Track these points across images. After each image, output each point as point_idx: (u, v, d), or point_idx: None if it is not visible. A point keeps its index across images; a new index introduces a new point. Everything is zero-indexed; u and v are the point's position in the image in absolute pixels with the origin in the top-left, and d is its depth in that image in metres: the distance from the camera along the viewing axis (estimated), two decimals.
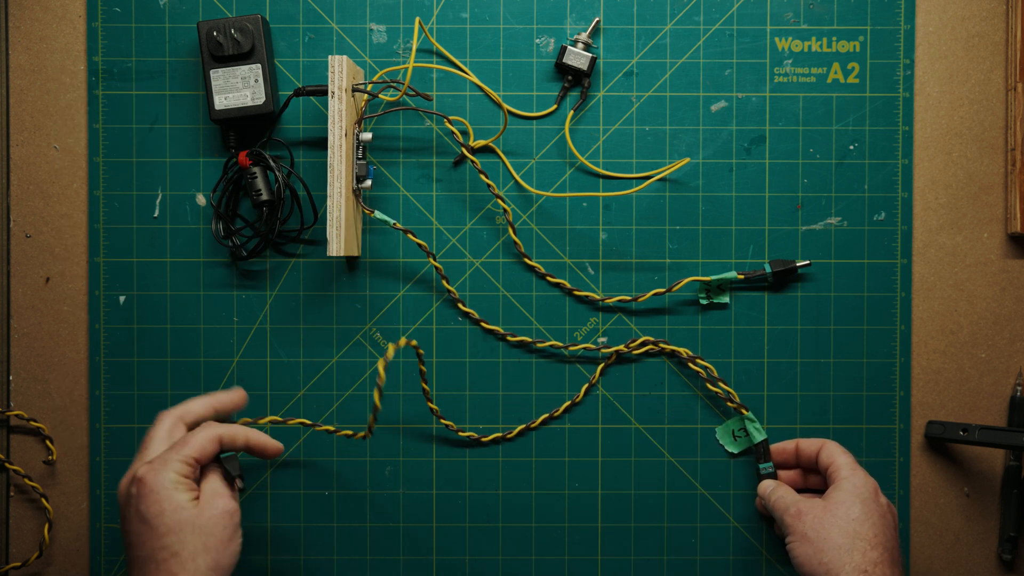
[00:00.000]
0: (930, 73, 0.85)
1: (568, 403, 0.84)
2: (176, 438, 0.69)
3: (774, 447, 0.83)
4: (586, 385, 0.84)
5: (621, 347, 0.84)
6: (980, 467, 0.85)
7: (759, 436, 0.82)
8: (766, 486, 0.80)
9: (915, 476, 0.85)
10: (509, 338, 0.84)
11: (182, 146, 0.84)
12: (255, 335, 0.85)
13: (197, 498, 0.66)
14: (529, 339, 0.84)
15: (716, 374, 0.84)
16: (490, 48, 0.84)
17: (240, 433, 0.71)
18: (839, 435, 0.85)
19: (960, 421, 0.84)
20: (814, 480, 0.82)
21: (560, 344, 0.83)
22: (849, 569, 0.69)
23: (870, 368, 0.85)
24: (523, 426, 0.84)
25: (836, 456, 0.77)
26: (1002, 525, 0.84)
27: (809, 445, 0.80)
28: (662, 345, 0.84)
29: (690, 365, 0.84)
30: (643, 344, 0.84)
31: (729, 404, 0.83)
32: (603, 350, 0.84)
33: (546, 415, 0.84)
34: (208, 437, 0.68)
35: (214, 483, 0.68)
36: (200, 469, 0.69)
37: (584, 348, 0.83)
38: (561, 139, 0.84)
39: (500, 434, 0.84)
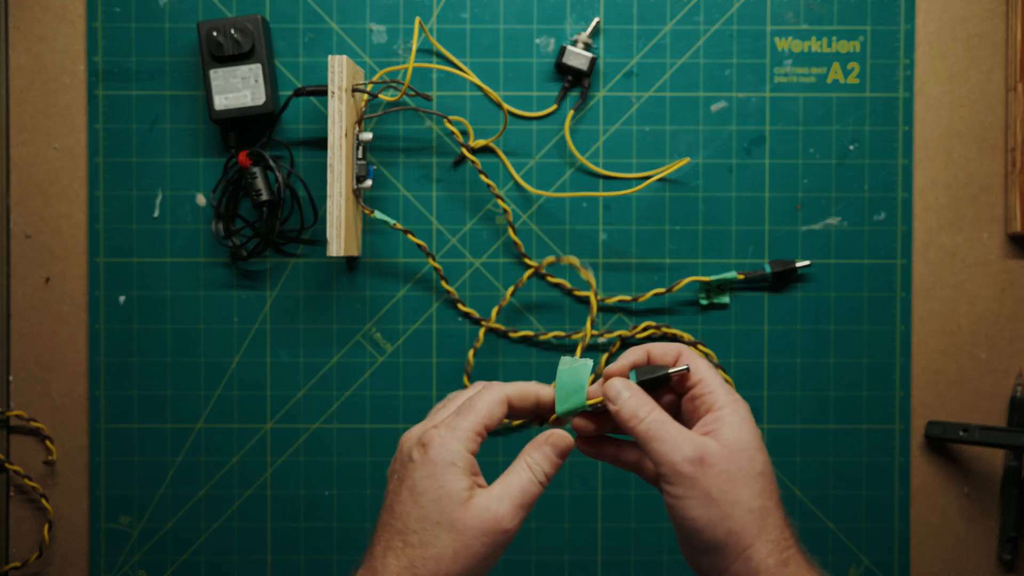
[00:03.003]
0: (930, 73, 0.85)
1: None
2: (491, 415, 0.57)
3: (620, 361, 0.59)
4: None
5: (624, 331, 0.84)
6: (980, 467, 0.85)
7: None
8: (618, 389, 0.57)
9: (915, 476, 0.85)
10: (511, 335, 0.84)
11: (182, 146, 0.84)
12: (255, 335, 0.84)
13: (472, 487, 0.54)
14: (531, 332, 0.84)
15: (716, 360, 0.84)
16: (490, 48, 0.84)
17: (531, 391, 0.58)
18: (839, 435, 0.85)
19: (960, 421, 0.84)
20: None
21: (563, 333, 0.84)
22: (764, 539, 0.53)
23: (870, 368, 0.85)
24: (518, 421, 0.84)
25: (705, 371, 0.57)
26: (1002, 525, 0.84)
27: (664, 352, 0.58)
28: (664, 330, 0.84)
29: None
30: (645, 328, 0.84)
31: None
32: (607, 335, 0.84)
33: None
34: (497, 399, 0.57)
35: (507, 487, 0.55)
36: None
37: (590, 335, 0.82)
38: (561, 139, 0.84)
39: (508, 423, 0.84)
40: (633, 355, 0.58)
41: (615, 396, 0.56)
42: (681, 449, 0.53)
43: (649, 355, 0.58)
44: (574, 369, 0.58)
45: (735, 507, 0.52)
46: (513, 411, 0.58)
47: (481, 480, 0.55)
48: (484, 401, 0.56)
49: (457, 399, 0.59)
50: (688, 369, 0.57)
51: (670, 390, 0.59)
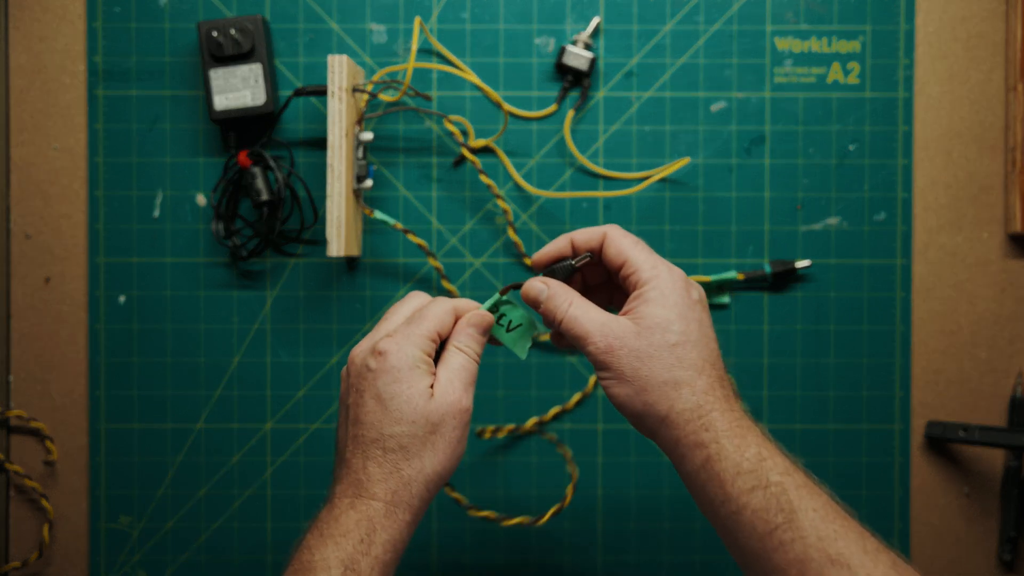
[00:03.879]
0: (930, 73, 0.85)
1: (578, 395, 0.84)
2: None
3: (538, 256, 0.63)
4: (592, 378, 0.84)
5: None
6: (980, 467, 0.85)
7: None
8: (538, 290, 0.60)
9: (915, 476, 0.85)
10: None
11: (182, 146, 0.84)
12: (255, 335, 0.84)
13: (433, 385, 0.58)
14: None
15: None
16: (490, 48, 0.84)
17: (473, 305, 0.62)
18: (839, 435, 0.85)
19: (960, 421, 0.84)
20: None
21: None
22: (680, 408, 0.55)
23: (870, 368, 0.85)
24: (512, 426, 0.84)
25: (628, 250, 0.59)
26: (1002, 525, 0.84)
27: (588, 238, 0.61)
28: None
29: None
30: None
31: None
32: None
33: (535, 419, 0.84)
34: (446, 309, 0.60)
35: (450, 372, 0.59)
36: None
37: None
38: (561, 139, 0.84)
39: (500, 427, 0.84)
40: (558, 244, 0.62)
41: (535, 297, 0.60)
42: (592, 338, 0.57)
43: (573, 242, 0.61)
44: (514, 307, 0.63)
45: (647, 382, 0.56)
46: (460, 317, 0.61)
47: (435, 372, 0.59)
48: (433, 311, 0.60)
49: (399, 311, 0.62)
50: (590, 257, 0.61)
51: (605, 272, 0.62)
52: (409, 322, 0.60)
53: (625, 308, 0.58)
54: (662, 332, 0.56)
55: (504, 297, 0.62)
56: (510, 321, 0.63)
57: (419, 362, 0.58)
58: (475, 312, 0.61)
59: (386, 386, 0.57)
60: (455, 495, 0.80)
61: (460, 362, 0.59)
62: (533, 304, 0.60)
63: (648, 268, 0.58)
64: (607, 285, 0.64)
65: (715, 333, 0.58)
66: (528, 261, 0.84)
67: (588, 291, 0.65)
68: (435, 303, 0.61)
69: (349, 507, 0.56)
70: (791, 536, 0.51)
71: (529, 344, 0.63)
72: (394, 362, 0.57)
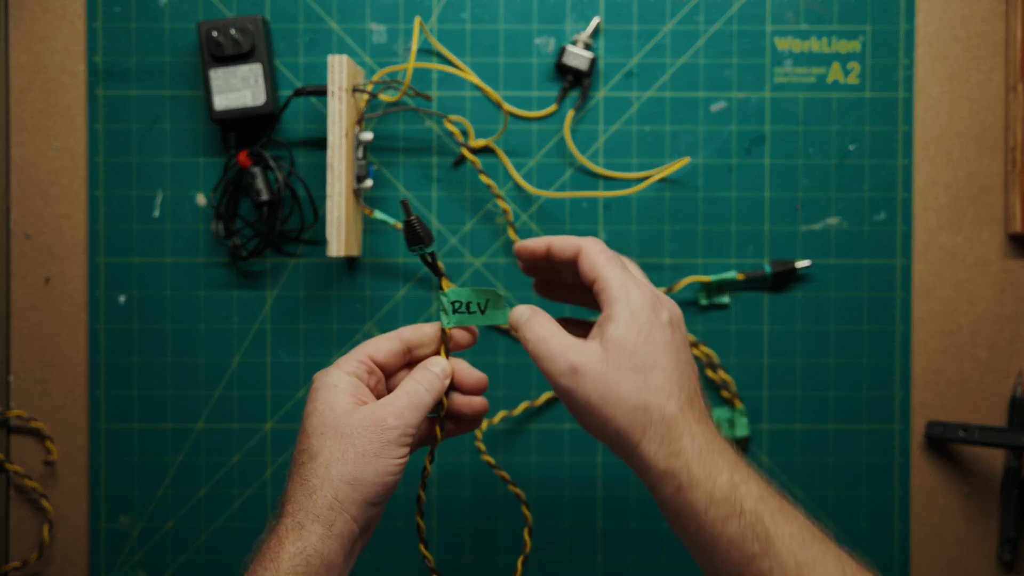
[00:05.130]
0: (930, 73, 0.85)
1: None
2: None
3: (518, 247, 0.63)
4: None
5: None
6: (980, 467, 0.85)
7: (742, 432, 0.83)
8: (520, 314, 0.59)
9: (915, 476, 0.85)
10: (512, 333, 0.84)
11: (182, 146, 0.84)
12: (255, 335, 0.85)
13: (357, 404, 0.57)
14: None
15: (717, 360, 0.84)
16: (490, 48, 0.84)
17: (429, 335, 0.61)
18: (839, 435, 0.85)
19: (960, 421, 0.84)
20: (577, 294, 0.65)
21: None
22: (651, 435, 0.53)
23: (870, 368, 0.85)
24: (505, 412, 0.84)
25: (600, 268, 0.57)
26: (1002, 525, 0.84)
27: (564, 248, 0.60)
28: None
29: (692, 351, 0.84)
30: None
31: (723, 393, 0.83)
32: None
33: (526, 403, 0.84)
34: (387, 336, 0.60)
35: (386, 399, 0.57)
36: (392, 379, 0.61)
37: None
38: (561, 139, 0.84)
39: (505, 411, 0.84)
40: (538, 244, 0.61)
41: (514, 321, 0.59)
42: (556, 364, 0.55)
43: (550, 248, 0.61)
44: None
45: (616, 408, 0.54)
46: (411, 346, 0.61)
47: (369, 399, 0.58)
48: (373, 338, 0.61)
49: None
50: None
51: (580, 287, 0.61)
52: (350, 352, 0.61)
53: (593, 332, 0.57)
54: (629, 356, 0.54)
55: (445, 292, 0.61)
56: (474, 303, 0.61)
57: (337, 381, 0.58)
58: (438, 361, 0.61)
59: (306, 408, 0.58)
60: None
61: (404, 388, 0.58)
62: (514, 328, 0.60)
63: (616, 287, 0.56)
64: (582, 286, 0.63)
65: (688, 352, 0.57)
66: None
67: (566, 288, 0.65)
68: (383, 334, 0.62)
69: (267, 532, 0.55)
70: (769, 564, 0.50)
71: (506, 308, 0.61)
72: (317, 385, 0.58)
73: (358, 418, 0.56)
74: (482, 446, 0.81)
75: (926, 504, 0.85)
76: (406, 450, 0.56)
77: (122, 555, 0.84)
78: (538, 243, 0.61)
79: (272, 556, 0.53)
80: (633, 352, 0.54)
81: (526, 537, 0.75)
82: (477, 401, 0.62)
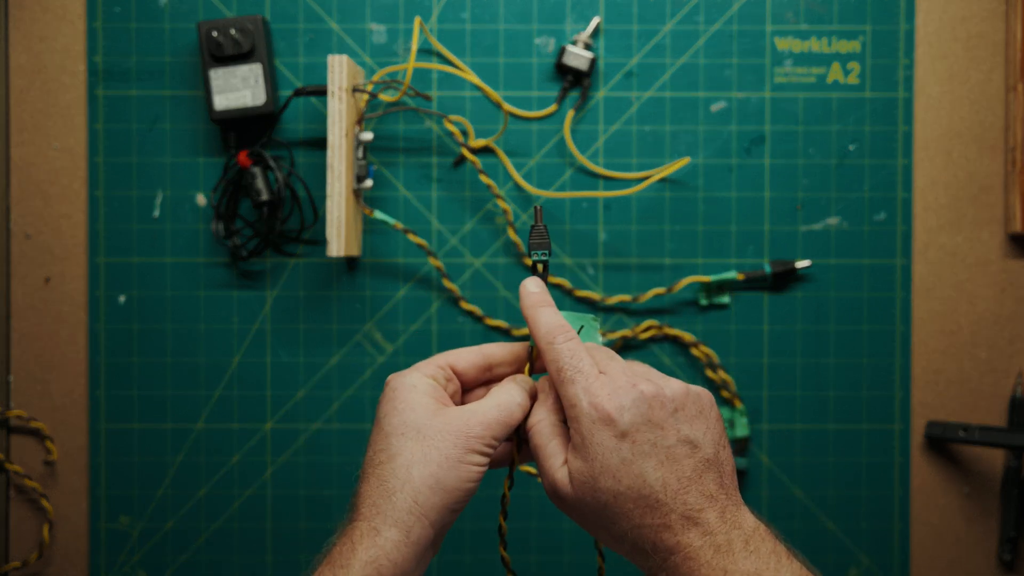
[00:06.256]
0: (930, 73, 0.85)
1: None
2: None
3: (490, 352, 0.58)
4: None
5: (627, 331, 0.84)
6: (980, 467, 0.85)
7: (742, 432, 0.83)
8: (519, 402, 0.55)
9: (915, 476, 0.85)
10: (513, 332, 0.84)
11: (182, 146, 0.84)
12: (255, 335, 0.84)
13: (439, 406, 0.54)
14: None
15: (717, 360, 0.84)
16: (490, 48, 0.84)
17: (514, 354, 0.58)
18: (839, 435, 0.85)
19: (960, 421, 0.84)
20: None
21: None
22: (636, 555, 0.50)
23: (870, 368, 0.85)
24: None
25: (558, 386, 0.53)
26: (1002, 525, 0.84)
27: (504, 355, 0.58)
28: (666, 330, 0.84)
29: (692, 351, 0.84)
30: (648, 328, 0.84)
31: (724, 393, 0.83)
32: (608, 335, 0.84)
33: None
34: (470, 348, 0.57)
35: (472, 403, 0.55)
36: (468, 393, 0.58)
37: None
38: (561, 139, 0.84)
39: None
40: (469, 359, 0.58)
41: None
42: (544, 483, 0.53)
43: (491, 363, 0.58)
44: (578, 317, 0.58)
45: (599, 533, 0.52)
46: (493, 363, 0.58)
47: (449, 404, 0.55)
48: (456, 349, 0.57)
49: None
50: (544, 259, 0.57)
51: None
52: (429, 359, 0.58)
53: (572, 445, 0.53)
54: (591, 492, 0.50)
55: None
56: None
57: (417, 382, 0.55)
58: (520, 376, 0.57)
59: (382, 408, 0.55)
60: None
61: (496, 399, 0.55)
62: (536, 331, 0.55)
63: (569, 408, 0.52)
64: None
65: (669, 438, 0.50)
66: (528, 261, 0.84)
67: None
68: (465, 347, 0.58)
69: (339, 535, 0.53)
70: None
71: (599, 337, 0.58)
72: (394, 385, 0.55)
73: (443, 420, 0.53)
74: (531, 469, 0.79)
75: (926, 504, 0.85)
76: (487, 460, 0.54)
77: (122, 555, 0.84)
78: (473, 358, 0.58)
79: (343, 563, 0.51)
80: (594, 488, 0.50)
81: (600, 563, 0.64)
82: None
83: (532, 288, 0.56)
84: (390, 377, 0.56)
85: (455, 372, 0.57)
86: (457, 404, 0.57)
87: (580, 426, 0.51)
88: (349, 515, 0.53)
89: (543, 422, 0.54)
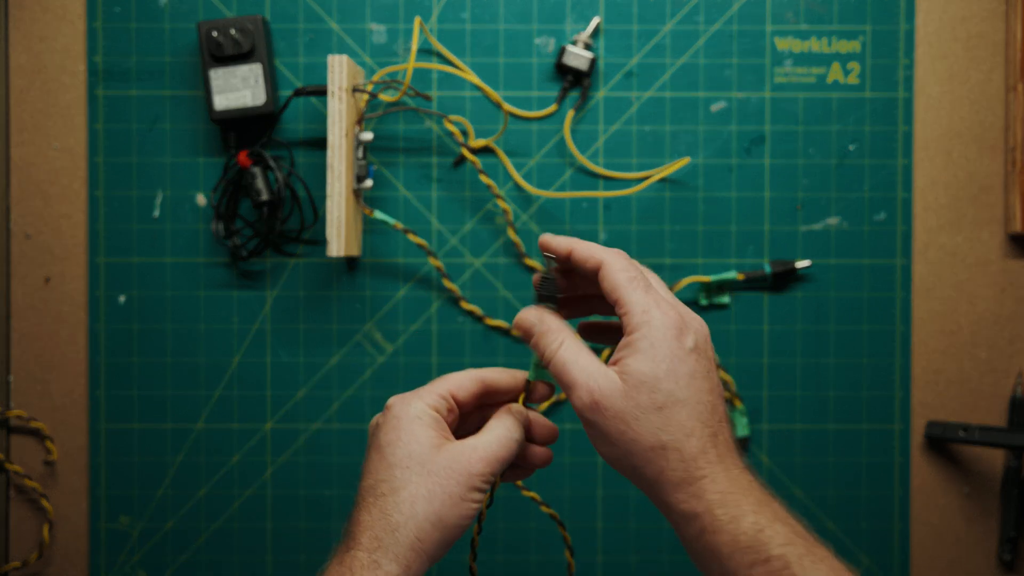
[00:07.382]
0: (930, 73, 0.85)
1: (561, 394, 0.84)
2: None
3: (544, 240, 0.57)
4: None
5: None
6: (980, 467, 0.85)
7: (742, 432, 0.83)
8: (531, 323, 0.56)
9: (915, 476, 0.85)
10: (514, 332, 0.84)
11: (182, 146, 0.84)
12: (255, 335, 0.85)
13: (441, 439, 0.55)
14: None
15: (717, 360, 0.84)
16: (490, 48, 0.84)
17: (511, 384, 0.59)
18: (839, 435, 0.85)
19: (960, 421, 0.84)
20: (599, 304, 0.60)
21: None
22: (667, 476, 0.51)
23: (870, 368, 0.85)
24: None
25: (622, 290, 0.54)
26: (1002, 525, 0.84)
27: (585, 258, 0.56)
28: None
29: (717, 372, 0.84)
30: None
31: (724, 393, 0.83)
32: None
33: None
34: (467, 374, 0.58)
35: (473, 438, 0.55)
36: (462, 417, 0.59)
37: None
38: (561, 139, 0.84)
39: None
40: (560, 245, 0.57)
41: (527, 328, 0.56)
42: (578, 393, 0.52)
43: (572, 253, 0.56)
44: None
45: (634, 445, 0.51)
46: (489, 390, 0.58)
47: (451, 437, 0.55)
48: (453, 374, 0.57)
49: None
50: (555, 303, 0.57)
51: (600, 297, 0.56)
52: (427, 385, 0.58)
53: (615, 356, 0.54)
54: (648, 392, 0.51)
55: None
56: None
57: (421, 414, 0.55)
58: (514, 406, 0.58)
59: (385, 435, 0.55)
60: None
61: (495, 434, 0.56)
62: (526, 336, 0.56)
63: (639, 313, 0.52)
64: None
65: (713, 378, 0.53)
66: (528, 261, 0.84)
67: (584, 301, 0.61)
68: (465, 371, 0.59)
69: (337, 562, 0.53)
70: None
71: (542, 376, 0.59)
72: (396, 412, 0.55)
73: (447, 458, 0.54)
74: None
75: (926, 504, 0.85)
76: (485, 496, 0.55)
77: (122, 555, 0.84)
78: (560, 244, 0.58)
79: None
80: (653, 389, 0.51)
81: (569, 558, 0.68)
82: (545, 452, 0.59)
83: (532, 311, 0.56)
84: (392, 401, 0.56)
85: (456, 400, 0.57)
86: (454, 430, 0.58)
87: (651, 331, 0.52)
88: (346, 541, 0.53)
89: (567, 342, 0.54)
